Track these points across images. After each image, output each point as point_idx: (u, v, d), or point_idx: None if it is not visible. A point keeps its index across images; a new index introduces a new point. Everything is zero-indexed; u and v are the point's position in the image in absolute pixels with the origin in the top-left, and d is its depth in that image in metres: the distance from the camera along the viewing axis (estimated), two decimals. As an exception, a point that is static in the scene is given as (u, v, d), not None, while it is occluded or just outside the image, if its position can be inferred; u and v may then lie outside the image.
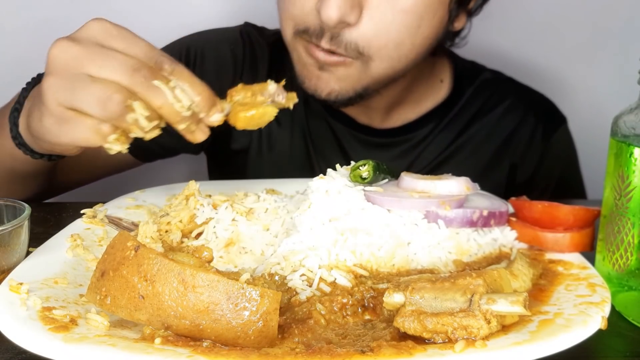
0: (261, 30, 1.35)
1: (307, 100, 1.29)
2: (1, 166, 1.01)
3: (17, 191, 1.08)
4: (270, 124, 1.29)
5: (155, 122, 0.75)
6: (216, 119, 0.78)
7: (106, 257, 0.64)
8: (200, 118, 0.78)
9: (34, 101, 0.84)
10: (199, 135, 0.79)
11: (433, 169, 1.29)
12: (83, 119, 0.73)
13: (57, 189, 1.23)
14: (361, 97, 1.11)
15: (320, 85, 1.08)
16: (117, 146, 0.75)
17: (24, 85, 0.93)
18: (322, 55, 1.04)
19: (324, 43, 1.02)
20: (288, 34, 1.09)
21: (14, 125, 0.89)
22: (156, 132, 0.77)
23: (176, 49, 1.28)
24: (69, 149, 0.82)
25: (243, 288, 0.61)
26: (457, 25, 1.17)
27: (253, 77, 1.30)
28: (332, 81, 1.07)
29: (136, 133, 0.75)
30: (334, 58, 1.04)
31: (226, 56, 1.29)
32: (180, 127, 0.76)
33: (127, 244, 0.63)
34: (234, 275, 0.73)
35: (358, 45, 1.01)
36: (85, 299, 0.66)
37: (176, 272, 0.61)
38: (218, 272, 0.67)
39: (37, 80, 0.93)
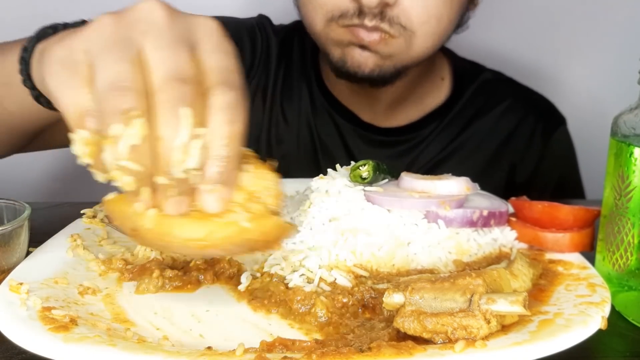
0: (272, 24, 1.36)
1: (313, 96, 1.29)
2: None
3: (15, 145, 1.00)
4: (277, 119, 1.30)
5: None
6: None
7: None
8: None
9: None
10: None
11: (432, 167, 1.29)
12: None
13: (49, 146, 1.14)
14: (398, 75, 1.13)
15: (363, 62, 1.09)
16: None
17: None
18: (366, 35, 1.05)
19: (367, 21, 1.03)
20: (319, 24, 1.10)
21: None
22: None
23: None
24: None
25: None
26: None
27: (265, 69, 1.31)
28: (375, 58, 1.09)
29: None
30: (377, 36, 1.05)
31: (245, 43, 1.30)
32: None
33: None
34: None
35: (400, 19, 1.04)
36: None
37: None
38: None
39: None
